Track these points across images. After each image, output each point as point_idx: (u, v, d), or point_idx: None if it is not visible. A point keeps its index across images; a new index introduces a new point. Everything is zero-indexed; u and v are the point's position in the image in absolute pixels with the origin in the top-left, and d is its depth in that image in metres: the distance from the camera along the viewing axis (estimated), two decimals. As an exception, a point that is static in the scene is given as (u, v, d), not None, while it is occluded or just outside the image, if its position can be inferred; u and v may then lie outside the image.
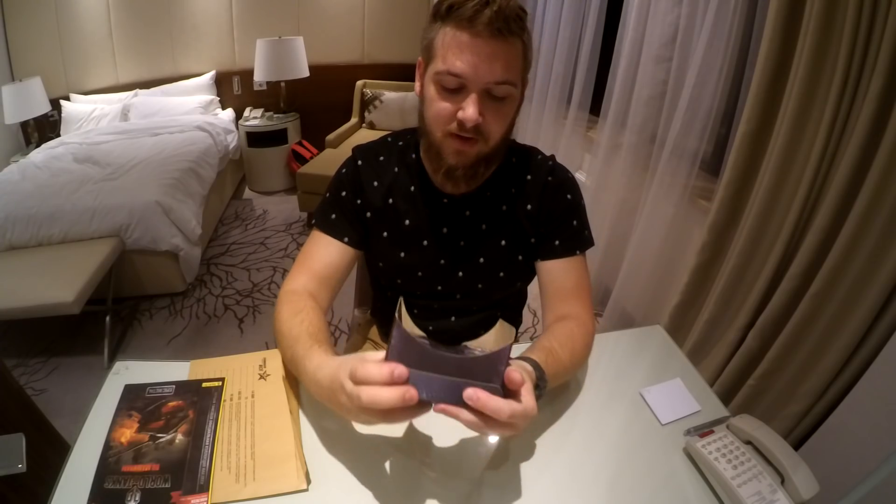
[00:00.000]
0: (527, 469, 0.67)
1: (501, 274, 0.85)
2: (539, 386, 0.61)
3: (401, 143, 0.85)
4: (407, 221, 0.83)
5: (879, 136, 0.94)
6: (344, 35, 3.59)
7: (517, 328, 1.06)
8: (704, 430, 0.67)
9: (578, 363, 0.75)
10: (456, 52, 0.65)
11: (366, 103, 3.46)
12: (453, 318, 0.91)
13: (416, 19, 3.49)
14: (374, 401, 0.46)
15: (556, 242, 0.82)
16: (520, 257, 0.85)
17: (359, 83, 3.50)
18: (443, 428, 0.67)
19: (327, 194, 0.85)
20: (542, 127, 2.58)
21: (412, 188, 0.82)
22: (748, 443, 0.65)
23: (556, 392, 0.79)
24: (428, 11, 0.70)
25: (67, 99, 3.18)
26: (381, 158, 0.84)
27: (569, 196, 0.83)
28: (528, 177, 0.83)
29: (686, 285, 1.49)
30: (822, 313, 1.08)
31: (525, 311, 1.08)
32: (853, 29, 0.96)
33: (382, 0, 3.52)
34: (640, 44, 1.76)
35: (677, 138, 1.58)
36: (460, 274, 0.85)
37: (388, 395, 0.46)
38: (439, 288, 0.87)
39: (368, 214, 0.83)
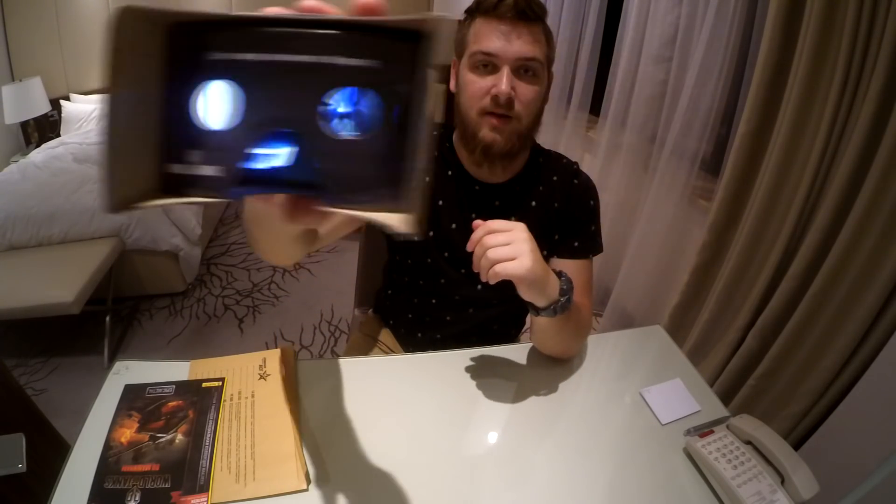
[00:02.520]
0: (527, 469, 0.67)
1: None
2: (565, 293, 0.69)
3: (434, 133, 0.90)
4: (440, 202, 0.86)
5: (879, 136, 0.94)
6: (344, 35, 3.59)
7: (520, 329, 1.07)
8: (704, 430, 0.67)
9: (582, 325, 0.81)
10: (486, 35, 0.72)
11: (366, 103, 3.46)
12: (471, 311, 0.93)
13: (416, 19, 3.49)
14: None
15: (576, 244, 0.86)
16: (544, 252, 0.87)
17: (359, 83, 3.50)
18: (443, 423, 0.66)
19: None
20: (542, 127, 2.57)
21: (448, 172, 0.86)
22: (748, 443, 0.65)
23: (556, 391, 0.79)
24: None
25: (67, 99, 3.17)
26: None
27: (591, 202, 0.89)
28: (555, 177, 0.87)
29: (686, 285, 1.49)
30: (822, 313, 1.08)
31: (528, 316, 1.08)
32: (853, 29, 0.96)
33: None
34: (640, 44, 1.76)
35: (677, 138, 1.58)
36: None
37: None
38: (462, 272, 0.89)
39: None
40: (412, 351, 1.02)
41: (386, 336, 1.07)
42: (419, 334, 1.00)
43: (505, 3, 0.70)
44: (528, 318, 1.13)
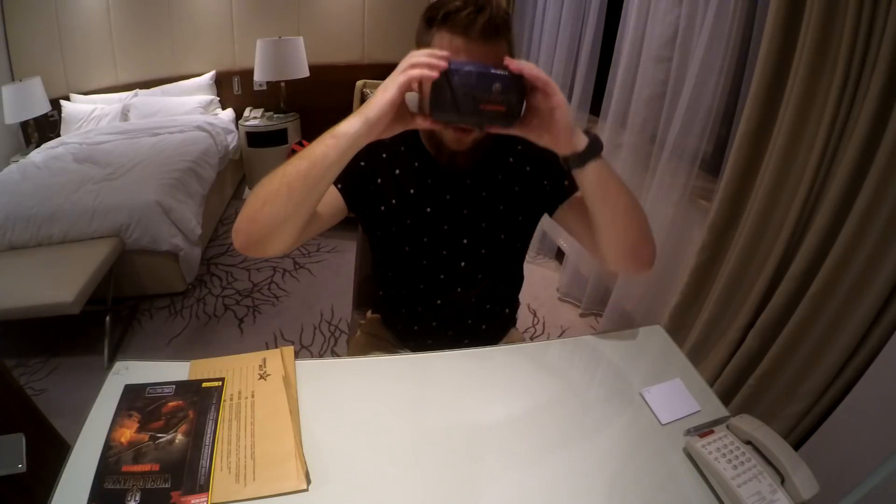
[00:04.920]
0: (527, 469, 0.67)
1: (502, 236, 0.93)
2: (592, 145, 0.71)
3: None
4: (412, 190, 0.88)
5: (879, 136, 0.94)
6: (344, 35, 3.59)
7: (514, 308, 1.10)
8: (704, 430, 0.67)
9: (634, 197, 0.77)
10: (452, 53, 0.69)
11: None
12: (459, 290, 0.95)
13: (415, 19, 3.43)
14: (415, 55, 0.63)
15: (566, 182, 0.89)
16: (520, 218, 0.93)
17: (359, 83, 3.50)
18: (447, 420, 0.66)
19: None
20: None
21: (416, 164, 0.89)
22: (748, 443, 0.65)
23: (556, 391, 0.79)
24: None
25: (67, 99, 3.18)
26: (387, 140, 0.86)
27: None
28: (519, 146, 0.91)
29: (686, 285, 1.49)
30: (822, 313, 1.07)
31: (525, 311, 1.09)
32: (853, 29, 0.96)
33: (382, 0, 3.52)
34: (640, 44, 1.76)
35: (677, 138, 1.58)
36: (465, 241, 0.91)
37: (425, 52, 0.64)
38: (444, 252, 0.91)
39: (379, 181, 0.88)
40: (412, 344, 1.03)
41: (387, 334, 1.07)
42: (415, 327, 1.00)
43: (474, 28, 0.68)
44: (524, 315, 1.11)
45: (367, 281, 1.24)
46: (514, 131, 0.70)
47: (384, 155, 0.88)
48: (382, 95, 0.65)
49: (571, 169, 0.72)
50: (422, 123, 0.71)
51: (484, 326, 1.00)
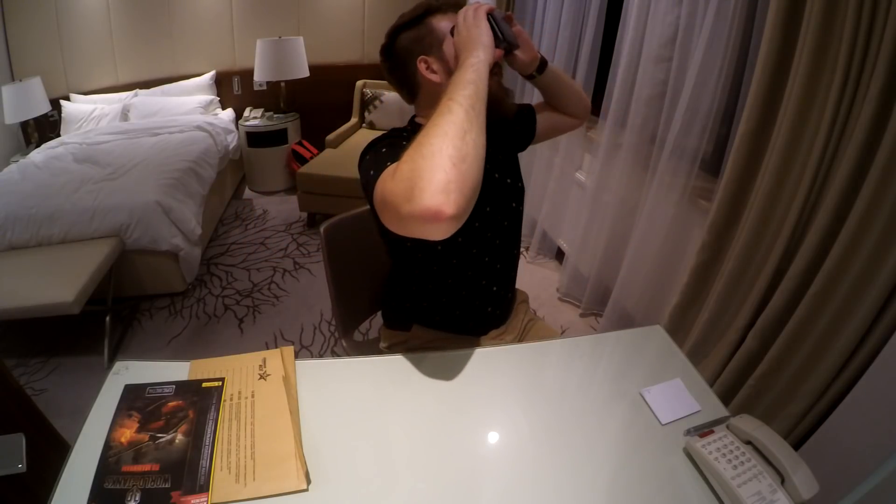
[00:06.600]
0: (527, 469, 0.67)
1: (520, 184, 1.05)
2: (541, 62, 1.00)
3: (407, 130, 0.97)
4: None
5: (879, 136, 0.94)
6: (344, 35, 3.59)
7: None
8: (704, 430, 0.67)
9: (577, 86, 1.15)
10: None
11: (366, 103, 3.46)
12: (513, 250, 1.06)
13: (416, 19, 3.49)
14: (472, 6, 0.80)
15: (524, 111, 1.12)
16: (518, 164, 1.09)
17: (359, 83, 3.50)
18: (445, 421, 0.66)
19: (384, 148, 0.82)
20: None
21: None
22: (748, 443, 0.65)
23: (556, 391, 0.79)
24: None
25: (67, 99, 3.17)
26: (404, 133, 0.93)
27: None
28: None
29: (686, 285, 1.49)
30: (822, 313, 1.08)
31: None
32: (853, 29, 0.96)
33: (382, 0, 3.52)
34: (640, 44, 1.76)
35: (677, 138, 1.58)
36: (506, 201, 1.00)
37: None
38: (506, 224, 0.99)
39: None
40: (473, 322, 1.05)
41: (439, 333, 1.05)
42: (476, 301, 1.02)
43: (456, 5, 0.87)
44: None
45: (346, 306, 1.19)
46: (513, 58, 0.92)
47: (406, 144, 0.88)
48: (477, 31, 0.77)
49: (539, 74, 1.00)
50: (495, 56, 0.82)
51: (517, 278, 1.14)
